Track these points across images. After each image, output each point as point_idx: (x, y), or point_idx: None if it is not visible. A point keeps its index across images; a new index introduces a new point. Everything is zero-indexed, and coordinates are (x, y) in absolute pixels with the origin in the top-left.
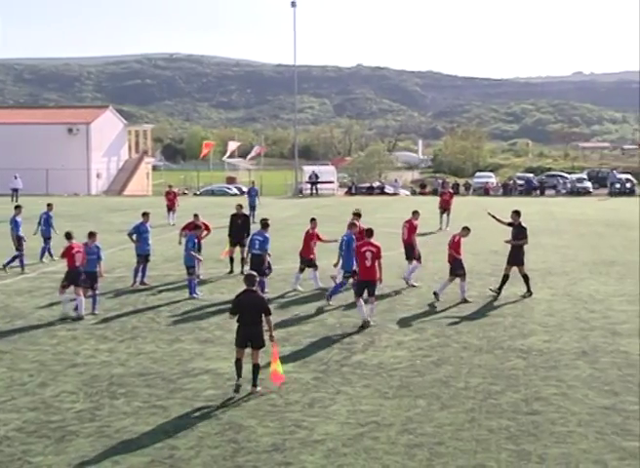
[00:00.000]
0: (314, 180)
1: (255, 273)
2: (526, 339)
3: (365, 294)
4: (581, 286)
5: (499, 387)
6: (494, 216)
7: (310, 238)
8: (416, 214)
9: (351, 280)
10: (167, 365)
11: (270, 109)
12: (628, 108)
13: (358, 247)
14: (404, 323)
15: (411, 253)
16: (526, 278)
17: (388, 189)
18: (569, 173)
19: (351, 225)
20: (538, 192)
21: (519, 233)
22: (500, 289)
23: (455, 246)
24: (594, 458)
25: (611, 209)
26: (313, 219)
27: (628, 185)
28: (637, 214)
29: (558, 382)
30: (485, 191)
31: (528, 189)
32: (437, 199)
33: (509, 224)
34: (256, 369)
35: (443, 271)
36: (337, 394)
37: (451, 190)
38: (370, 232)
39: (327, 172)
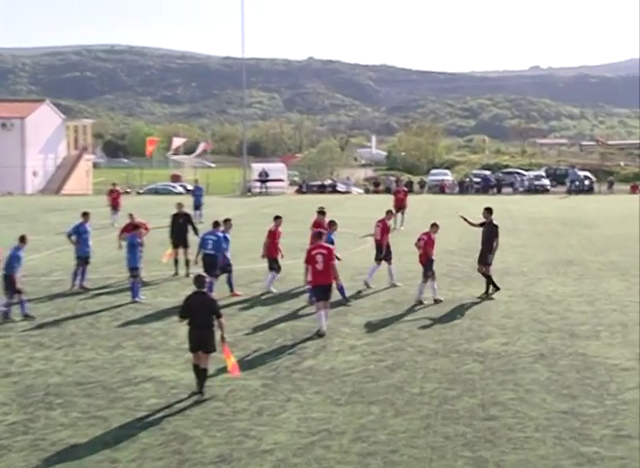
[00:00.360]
0: (263, 178)
1: (205, 274)
2: (483, 342)
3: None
4: (539, 286)
5: (455, 392)
6: (465, 219)
7: (274, 237)
8: (389, 213)
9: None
10: (107, 373)
11: (217, 104)
12: (586, 104)
13: (308, 250)
14: (357, 326)
15: (381, 253)
16: (488, 279)
17: (340, 187)
18: (526, 170)
19: (331, 224)
20: (494, 190)
21: (491, 231)
22: (488, 289)
23: (429, 244)
24: (552, 465)
25: (569, 207)
26: (278, 217)
27: (587, 183)
28: (595, 212)
29: (515, 386)
30: (440, 189)
31: (485, 187)
32: (391, 197)
33: (481, 224)
34: (203, 373)
35: (403, 272)
36: (287, 401)
37: (405, 188)
38: (319, 234)
39: (277, 169)
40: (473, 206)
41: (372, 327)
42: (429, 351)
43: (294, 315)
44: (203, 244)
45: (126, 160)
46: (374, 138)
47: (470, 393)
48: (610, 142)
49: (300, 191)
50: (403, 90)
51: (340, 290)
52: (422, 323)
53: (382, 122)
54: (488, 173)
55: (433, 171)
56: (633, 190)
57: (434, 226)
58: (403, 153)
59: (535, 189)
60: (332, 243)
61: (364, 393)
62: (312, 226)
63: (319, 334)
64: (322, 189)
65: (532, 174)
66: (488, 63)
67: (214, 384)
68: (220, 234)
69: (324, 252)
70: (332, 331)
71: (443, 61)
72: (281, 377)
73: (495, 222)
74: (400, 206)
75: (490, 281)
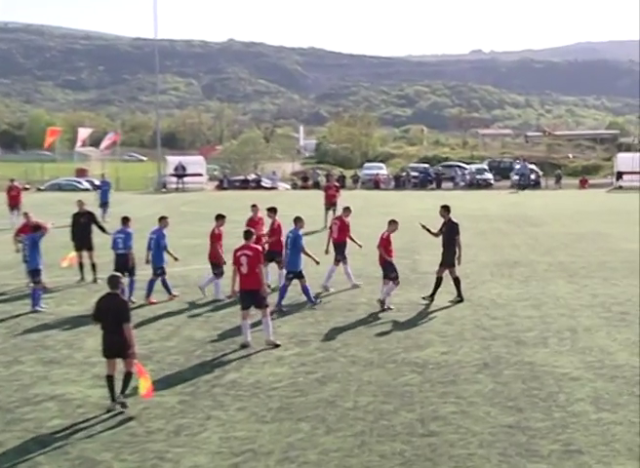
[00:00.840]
0: (180, 173)
1: (119, 274)
2: (422, 351)
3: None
4: (482, 290)
5: (391, 406)
6: (428, 229)
7: (216, 238)
8: (347, 210)
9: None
10: (3, 391)
11: (127, 90)
12: (532, 91)
13: (234, 252)
14: (285, 335)
15: (341, 254)
16: (457, 282)
17: (265, 183)
18: (468, 163)
19: (297, 220)
20: (434, 185)
21: (451, 231)
22: (434, 295)
23: (384, 244)
24: None
25: (514, 203)
26: (220, 216)
27: (533, 177)
28: (542, 208)
29: (457, 399)
30: (375, 184)
31: (423, 181)
32: (321, 193)
33: (440, 230)
34: (127, 377)
35: (333, 276)
36: (207, 419)
37: (337, 183)
38: (248, 234)
39: (195, 163)
40: (411, 202)
41: (301, 336)
42: (363, 361)
43: (214, 324)
44: (114, 243)
45: (23, 152)
46: (301, 129)
47: (408, 407)
48: (557, 133)
49: (220, 187)
50: (333, 75)
51: (305, 290)
52: (356, 331)
53: (311, 111)
54: (426, 166)
55: (367, 164)
56: (582, 185)
57: (393, 223)
58: (334, 145)
59: (477, 184)
60: (298, 241)
61: (292, 409)
62: (248, 223)
63: (244, 346)
64: (245, 185)
65: (474, 167)
66: (425, 47)
67: (124, 401)
68: (130, 231)
69: (249, 253)
70: (257, 341)
71: (377, 45)
72: (200, 393)
73: (454, 220)
74: (330, 203)
75: (457, 284)
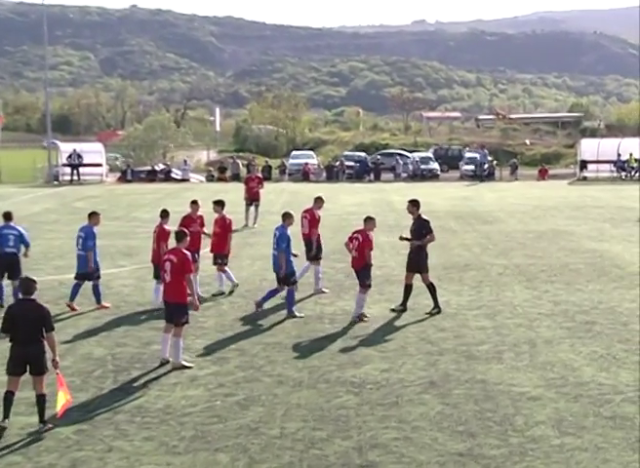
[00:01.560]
0: (75, 163)
1: (34, 278)
2: (359, 369)
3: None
4: (428, 297)
5: (324, 433)
6: (407, 239)
7: (162, 238)
8: (318, 201)
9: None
10: None
11: (10, 65)
12: (483, 67)
13: (162, 255)
14: (199, 352)
15: (312, 250)
16: (431, 288)
17: (176, 174)
18: (411, 151)
19: (286, 216)
20: (371, 176)
21: (421, 229)
22: (405, 303)
23: (366, 245)
24: None
25: (464, 197)
26: (164, 213)
27: (486, 167)
28: (496, 203)
29: (400, 423)
30: (304, 175)
31: (359, 172)
32: (241, 187)
33: (409, 233)
34: (41, 400)
35: (256, 282)
36: (108, 452)
37: (259, 175)
38: (180, 235)
39: (92, 151)
40: (345, 196)
41: (218, 352)
42: (292, 381)
43: (116, 339)
44: (3, 241)
45: None
46: (218, 111)
47: (344, 433)
48: (513, 116)
49: (123, 179)
50: (254, 49)
51: (289, 297)
52: (283, 346)
53: (229, 90)
54: (363, 155)
55: (295, 152)
56: (542, 175)
57: (369, 221)
58: (256, 130)
59: (421, 175)
60: (288, 241)
61: (209, 437)
62: (182, 223)
63: (162, 362)
64: (152, 176)
65: (417, 155)
66: (361, 17)
67: (10, 432)
68: (22, 229)
69: (174, 259)
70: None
71: (305, 14)
72: (100, 421)
73: (424, 217)
74: (252, 197)
75: (432, 291)
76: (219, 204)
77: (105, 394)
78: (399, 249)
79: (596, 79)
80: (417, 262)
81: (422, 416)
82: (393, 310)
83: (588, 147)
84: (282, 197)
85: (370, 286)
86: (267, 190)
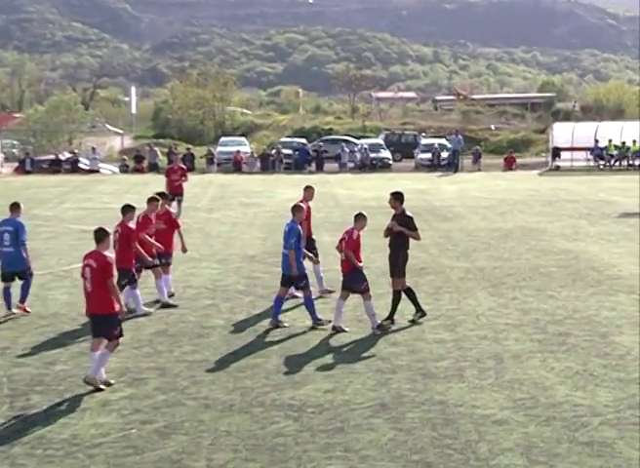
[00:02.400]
0: None
1: None
2: (298, 390)
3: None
4: (379, 306)
5: (258, 464)
6: (391, 229)
7: (131, 238)
8: (309, 189)
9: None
10: None
11: None
12: (442, 40)
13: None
14: (112, 371)
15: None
16: (397, 297)
17: (84, 164)
18: (358, 137)
19: (295, 209)
20: (313, 166)
21: (404, 226)
22: (420, 309)
23: (352, 246)
24: None
25: (420, 190)
26: (127, 209)
27: (444, 155)
28: (457, 197)
29: (346, 452)
30: (235, 165)
31: (299, 162)
32: (162, 179)
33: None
34: None
35: (184, 288)
36: None
37: (182, 165)
38: (99, 234)
39: None
40: (283, 189)
41: (134, 372)
42: (220, 405)
43: (12, 359)
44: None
45: None
46: (133, 90)
47: (281, 465)
48: (475, 97)
49: (21, 170)
50: (176, 18)
51: (308, 304)
52: (210, 364)
53: (146, 66)
54: (303, 141)
55: (224, 139)
56: (509, 165)
57: (361, 218)
58: (178, 111)
59: (371, 164)
60: (298, 236)
61: None
62: (119, 226)
63: (87, 382)
64: (57, 167)
65: (366, 142)
66: None
67: None
68: (20, 222)
69: (93, 264)
70: (74, 379)
71: None
72: None
73: (408, 213)
74: (175, 191)
75: (413, 298)
76: (163, 196)
77: (1, 421)
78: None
79: (570, 54)
80: (398, 264)
81: (372, 444)
82: (379, 327)
83: (562, 132)
84: (209, 191)
85: (364, 290)
86: (192, 183)
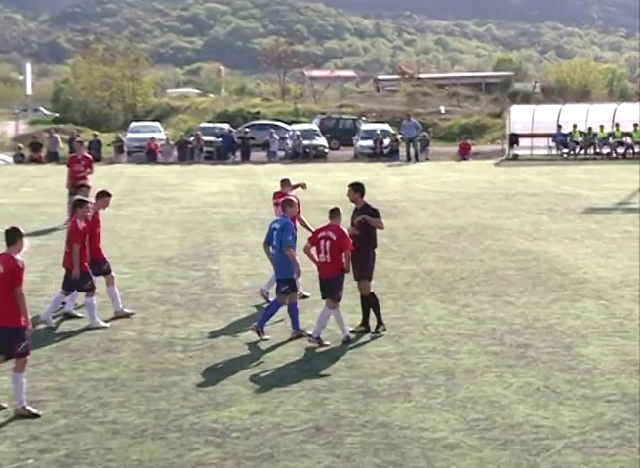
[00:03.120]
0: None
1: None
2: (221, 412)
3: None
4: (311, 314)
5: None
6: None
7: (81, 236)
8: (285, 183)
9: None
10: None
11: None
12: (384, 12)
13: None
14: (3, 393)
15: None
16: (371, 302)
17: None
18: (290, 122)
19: (287, 203)
20: (238, 155)
21: (367, 221)
22: (366, 322)
23: (345, 245)
24: None
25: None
26: (80, 203)
27: (388, 142)
28: (402, 190)
29: None
30: (149, 154)
31: (222, 150)
32: (63, 169)
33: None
34: None
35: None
36: None
37: (87, 154)
38: (12, 235)
39: None
40: (203, 182)
41: (30, 393)
42: (131, 430)
43: None
44: None
45: None
46: (29, 68)
47: None
48: (422, 76)
49: None
50: None
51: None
52: (119, 383)
53: (44, 39)
54: (226, 127)
55: (135, 124)
56: (462, 153)
57: (334, 214)
58: (82, 92)
59: (304, 153)
60: (292, 233)
61: None
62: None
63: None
64: None
65: (299, 128)
66: None
67: None
68: None
69: (0, 269)
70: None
71: None
72: None
73: (372, 205)
74: (78, 184)
75: (374, 306)
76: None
77: None
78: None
79: (529, 27)
80: (364, 265)
81: None
82: (353, 332)
83: (520, 117)
84: (118, 183)
85: (340, 299)
86: (98, 174)
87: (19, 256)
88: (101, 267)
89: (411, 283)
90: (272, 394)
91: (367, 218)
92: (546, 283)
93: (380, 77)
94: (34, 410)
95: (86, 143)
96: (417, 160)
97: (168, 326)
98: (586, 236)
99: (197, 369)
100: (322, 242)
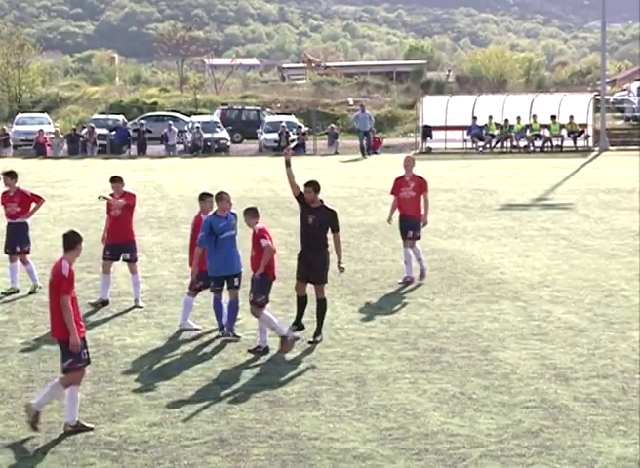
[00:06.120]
0: None
1: None
2: (118, 423)
3: None
4: (211, 318)
5: None
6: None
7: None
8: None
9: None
10: None
11: None
12: None
13: None
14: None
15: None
16: (323, 307)
17: None
18: (189, 114)
19: (219, 196)
20: (134, 149)
21: (324, 222)
22: (299, 322)
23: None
24: None
25: (264, 178)
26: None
27: (294, 136)
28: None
29: None
30: (37, 148)
31: (117, 144)
32: None
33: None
34: None
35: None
36: None
37: None
38: (72, 238)
39: None
40: (95, 178)
41: None
42: (20, 444)
43: None
44: None
45: None
46: None
47: None
48: (330, 64)
49: None
50: None
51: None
52: (5, 394)
53: None
54: (120, 119)
55: (21, 116)
56: (373, 146)
57: (250, 213)
58: None
59: (205, 147)
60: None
61: None
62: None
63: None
64: None
65: (198, 120)
66: None
67: None
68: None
69: (49, 275)
70: None
71: None
72: None
73: (329, 206)
74: None
75: (321, 310)
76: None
77: None
78: (172, 253)
79: (442, 13)
80: (310, 267)
81: None
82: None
83: (433, 108)
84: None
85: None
86: None
87: (67, 264)
88: None
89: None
90: (172, 404)
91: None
92: (462, 284)
93: (284, 66)
94: (87, 424)
95: None
96: (369, 154)
97: (22, 329)
98: (503, 234)
99: (91, 378)
100: (260, 239)
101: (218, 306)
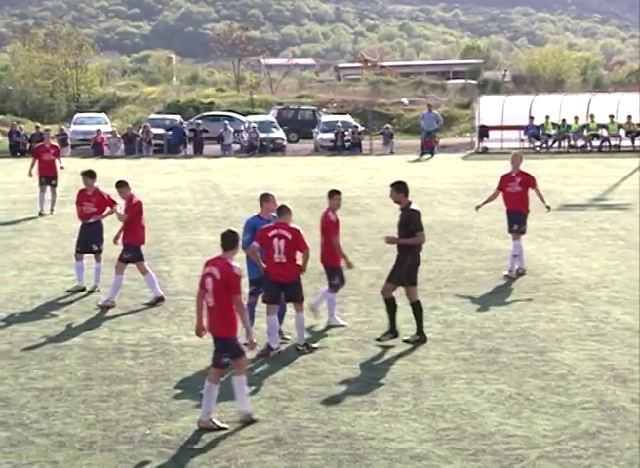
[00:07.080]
0: None
1: None
2: (175, 422)
3: None
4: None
5: None
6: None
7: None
8: (334, 195)
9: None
10: None
11: None
12: None
13: None
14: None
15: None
16: (417, 309)
17: None
18: (245, 114)
19: (265, 197)
20: (190, 148)
21: (408, 223)
22: (394, 327)
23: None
24: None
25: (320, 177)
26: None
27: (349, 136)
28: (365, 185)
29: None
30: (95, 148)
31: (173, 143)
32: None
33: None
34: None
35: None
36: None
37: (55, 143)
38: (231, 237)
39: None
40: (153, 179)
41: None
42: (78, 442)
43: None
44: None
45: None
46: None
47: None
48: (386, 64)
49: None
50: None
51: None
52: (65, 392)
53: None
54: (177, 118)
55: (79, 116)
56: (428, 147)
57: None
58: (21, 80)
59: (261, 147)
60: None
61: None
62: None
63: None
64: None
65: (255, 120)
66: None
67: None
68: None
69: (216, 274)
70: None
71: None
72: None
73: (414, 206)
74: (48, 174)
75: (417, 312)
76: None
77: None
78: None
79: (499, 13)
80: (400, 268)
81: None
82: (379, 340)
83: (490, 108)
84: (62, 179)
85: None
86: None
87: (235, 263)
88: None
89: (375, 284)
90: (228, 403)
91: (399, 241)
92: (518, 284)
93: (340, 65)
94: (220, 424)
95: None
96: (428, 154)
97: (116, 331)
98: (560, 234)
99: (148, 376)
100: (275, 241)
101: (250, 310)
